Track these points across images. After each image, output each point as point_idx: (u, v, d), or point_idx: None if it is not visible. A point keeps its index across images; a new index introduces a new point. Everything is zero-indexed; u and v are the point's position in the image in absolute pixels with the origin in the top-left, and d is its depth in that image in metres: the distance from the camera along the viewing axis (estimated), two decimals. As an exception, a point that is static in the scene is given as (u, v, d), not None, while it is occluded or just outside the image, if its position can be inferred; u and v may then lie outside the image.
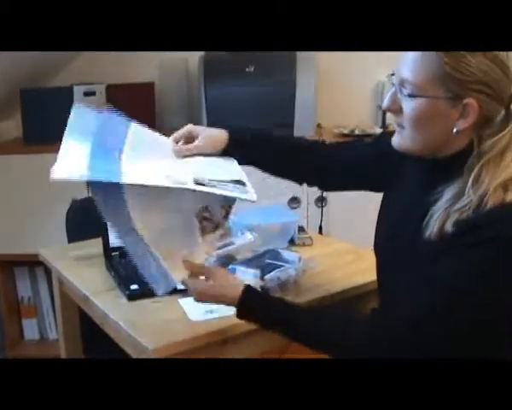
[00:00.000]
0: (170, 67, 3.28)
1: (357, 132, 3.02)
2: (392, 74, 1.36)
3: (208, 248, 1.52)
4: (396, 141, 1.38)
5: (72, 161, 1.40)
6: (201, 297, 1.46)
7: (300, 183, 1.77)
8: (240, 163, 1.61)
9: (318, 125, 3.12)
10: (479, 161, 1.26)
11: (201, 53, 3.02)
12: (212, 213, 1.49)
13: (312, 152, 1.71)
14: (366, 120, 3.25)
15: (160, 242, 1.47)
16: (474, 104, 1.24)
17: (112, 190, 1.39)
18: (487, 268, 1.21)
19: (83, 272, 1.89)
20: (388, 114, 1.55)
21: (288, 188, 2.71)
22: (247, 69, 2.92)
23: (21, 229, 3.03)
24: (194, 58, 3.11)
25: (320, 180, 1.74)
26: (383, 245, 1.55)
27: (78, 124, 1.50)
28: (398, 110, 1.33)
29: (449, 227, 1.24)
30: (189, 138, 1.61)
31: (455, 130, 1.27)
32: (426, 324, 1.25)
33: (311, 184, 1.81)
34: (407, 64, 1.29)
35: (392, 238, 1.48)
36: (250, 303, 1.42)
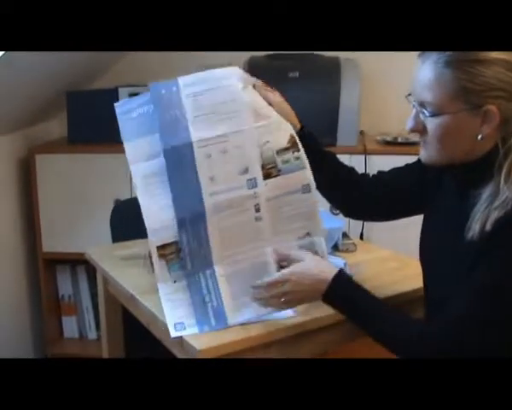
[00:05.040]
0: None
1: (400, 140, 3.00)
2: (410, 94, 1.41)
3: None
4: (424, 156, 1.43)
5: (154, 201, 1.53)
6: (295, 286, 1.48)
7: (347, 213, 1.80)
8: None
9: (361, 133, 3.11)
10: (506, 158, 1.31)
11: (246, 57, 3.03)
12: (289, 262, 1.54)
13: (363, 185, 1.72)
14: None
15: (235, 277, 1.54)
16: (494, 109, 1.29)
17: (195, 224, 1.51)
18: None
19: (129, 272, 1.90)
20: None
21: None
22: (290, 75, 2.92)
23: (64, 228, 3.09)
24: (238, 62, 3.11)
25: (369, 212, 1.77)
26: (429, 257, 1.57)
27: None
28: (422, 130, 1.39)
29: (489, 226, 1.27)
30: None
31: (480, 137, 1.32)
32: (471, 323, 1.28)
33: (358, 216, 1.85)
34: (424, 86, 1.34)
35: (437, 249, 1.51)
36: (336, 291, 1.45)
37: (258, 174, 1.54)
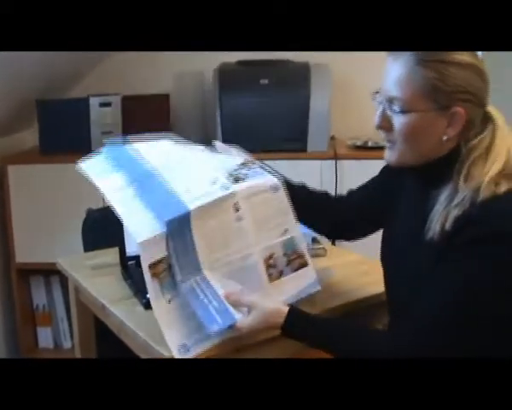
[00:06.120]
0: (185, 79, 3.29)
1: (370, 144, 3.03)
2: (377, 92, 1.42)
3: (275, 294, 1.54)
4: (389, 157, 1.45)
5: (138, 219, 1.48)
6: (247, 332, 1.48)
7: (326, 235, 1.92)
8: None
9: (332, 138, 3.13)
10: (467, 159, 1.33)
11: (216, 65, 3.04)
12: (275, 261, 1.55)
13: (337, 212, 1.80)
14: (379, 132, 3.25)
15: (227, 280, 1.51)
16: (462, 112, 1.32)
17: (180, 230, 1.46)
18: (490, 265, 1.26)
19: (99, 281, 1.90)
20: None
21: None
22: (261, 81, 2.94)
23: (37, 238, 3.07)
24: (209, 70, 3.13)
25: (341, 233, 1.88)
26: (389, 259, 1.60)
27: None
28: (388, 127, 1.40)
29: (448, 226, 1.29)
30: None
31: (445, 138, 1.35)
32: (439, 325, 1.29)
33: (336, 238, 1.98)
34: (394, 82, 1.36)
35: (398, 251, 1.53)
36: (293, 328, 1.45)
37: (228, 181, 1.54)
